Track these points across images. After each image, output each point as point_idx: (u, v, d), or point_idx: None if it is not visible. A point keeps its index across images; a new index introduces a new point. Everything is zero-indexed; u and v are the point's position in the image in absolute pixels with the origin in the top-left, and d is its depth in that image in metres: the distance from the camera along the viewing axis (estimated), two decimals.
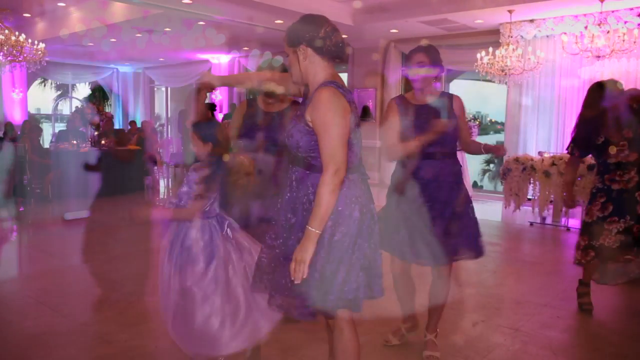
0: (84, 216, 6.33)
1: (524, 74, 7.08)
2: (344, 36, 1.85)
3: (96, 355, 2.73)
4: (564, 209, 6.04)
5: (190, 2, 6.82)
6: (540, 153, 6.67)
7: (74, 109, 13.40)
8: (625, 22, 6.46)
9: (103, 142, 8.28)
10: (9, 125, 9.24)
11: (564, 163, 5.87)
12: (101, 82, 14.73)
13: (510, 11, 6.93)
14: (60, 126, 12.84)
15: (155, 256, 2.47)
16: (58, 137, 8.52)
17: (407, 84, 8.99)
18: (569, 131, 7.27)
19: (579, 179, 5.69)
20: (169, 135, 13.79)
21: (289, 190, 1.88)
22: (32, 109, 14.20)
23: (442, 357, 2.67)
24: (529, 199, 6.33)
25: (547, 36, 7.46)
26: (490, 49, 7.10)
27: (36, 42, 8.17)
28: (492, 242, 5.23)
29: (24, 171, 7.35)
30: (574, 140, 3.38)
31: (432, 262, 2.53)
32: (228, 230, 2.39)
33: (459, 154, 2.79)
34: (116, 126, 12.51)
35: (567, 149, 3.47)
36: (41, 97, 16.40)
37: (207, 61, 12.27)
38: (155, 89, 14.93)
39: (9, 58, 7.76)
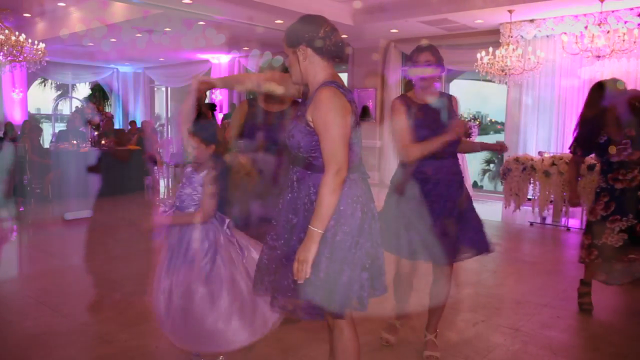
0: (84, 216, 6.33)
1: (524, 74, 7.08)
2: (343, 36, 1.85)
3: (96, 355, 2.74)
4: (564, 208, 6.04)
5: (190, 2, 6.82)
6: (540, 153, 6.67)
7: (74, 109, 13.40)
8: (626, 22, 6.47)
9: (103, 142, 8.29)
10: (9, 125, 9.24)
11: (564, 163, 5.88)
12: (101, 82, 14.73)
13: (510, 11, 6.93)
14: (61, 126, 12.83)
15: (155, 256, 2.47)
16: (58, 137, 8.52)
17: (407, 84, 8.98)
18: (569, 131, 7.32)
19: (580, 178, 5.69)
20: (169, 135, 13.80)
21: (290, 191, 1.88)
22: (32, 109, 14.21)
23: (442, 357, 2.67)
24: (529, 199, 6.33)
25: (547, 36, 7.46)
26: (490, 49, 7.10)
27: (36, 42, 8.18)
28: (492, 242, 5.22)
29: (24, 171, 7.35)
30: (576, 140, 3.39)
31: (440, 260, 2.52)
32: (228, 229, 2.42)
33: (459, 154, 2.79)
34: (116, 126, 12.51)
35: (569, 148, 3.47)
36: (41, 97, 16.40)
37: (207, 61, 12.27)
38: (155, 89, 14.93)
39: (9, 58, 7.77)
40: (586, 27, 6.39)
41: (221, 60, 12.03)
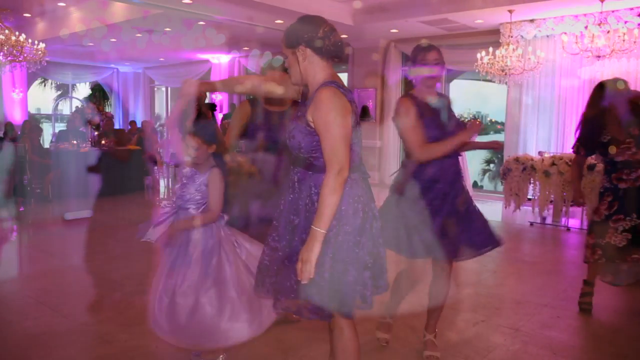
0: (84, 216, 6.33)
1: (524, 73, 7.08)
2: (343, 36, 1.86)
3: (96, 355, 2.74)
4: (564, 208, 6.05)
5: (190, 2, 6.82)
6: (540, 153, 6.67)
7: (74, 109, 13.41)
8: (626, 22, 6.46)
9: (103, 142, 8.29)
10: (9, 125, 9.25)
11: (564, 163, 5.88)
12: (101, 82, 14.74)
13: (510, 11, 6.93)
14: (61, 126, 12.84)
15: (155, 256, 2.47)
16: (58, 137, 8.52)
17: (408, 83, 9.00)
18: (569, 131, 7.34)
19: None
20: (169, 135, 13.78)
21: (291, 192, 1.88)
22: (32, 109, 14.21)
23: (442, 357, 2.67)
24: (529, 199, 6.33)
25: (547, 36, 7.46)
26: (491, 49, 7.10)
27: (36, 42, 8.18)
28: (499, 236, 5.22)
29: (24, 171, 7.35)
30: (579, 140, 3.38)
31: (441, 258, 2.53)
32: (225, 226, 2.46)
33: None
34: (116, 126, 12.52)
35: (572, 147, 3.46)
36: (41, 97, 16.40)
37: (207, 61, 12.27)
38: (156, 89, 14.93)
39: (9, 58, 7.77)
40: (586, 27, 6.39)
41: (221, 60, 12.03)
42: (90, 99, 14.66)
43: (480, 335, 3.01)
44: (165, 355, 2.71)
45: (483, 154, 14.87)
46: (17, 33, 7.73)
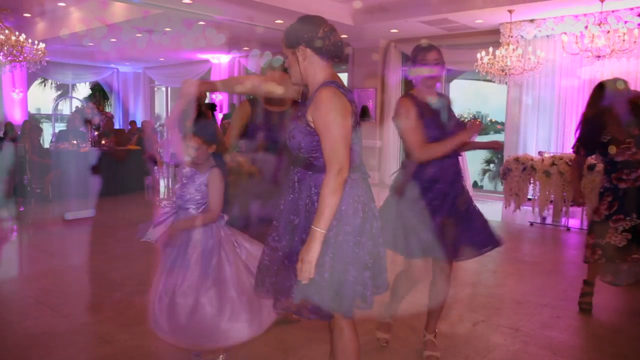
0: (84, 216, 6.33)
1: (524, 73, 7.08)
2: (343, 36, 1.86)
3: (96, 355, 2.74)
4: (564, 208, 6.05)
5: (190, 2, 6.82)
6: (540, 153, 6.67)
7: (74, 109, 13.41)
8: (626, 22, 6.46)
9: (103, 142, 8.29)
10: (9, 125, 9.24)
11: (564, 163, 5.88)
12: (101, 82, 14.74)
13: (510, 11, 6.93)
14: (61, 126, 12.84)
15: (155, 256, 2.47)
16: (58, 137, 8.52)
17: (408, 84, 8.99)
18: (569, 131, 7.34)
19: None
20: (169, 135, 13.78)
21: (291, 192, 1.88)
22: (32, 109, 14.22)
23: (442, 356, 2.67)
24: (529, 199, 6.33)
25: (547, 36, 7.46)
26: (491, 49, 7.10)
27: (36, 42, 8.18)
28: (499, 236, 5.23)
29: (24, 171, 7.35)
30: (579, 140, 3.38)
31: (441, 257, 2.53)
32: (226, 227, 2.47)
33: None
34: (116, 126, 12.52)
35: (572, 147, 3.46)
36: (41, 97, 16.41)
37: (207, 61, 12.28)
38: (156, 89, 14.94)
39: (9, 58, 7.77)
40: (586, 27, 6.39)
41: (221, 60, 12.03)
42: (90, 99, 14.66)
43: (480, 335, 3.01)
44: (165, 355, 2.71)
45: (483, 154, 14.87)
46: (17, 33, 7.73)
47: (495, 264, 4.58)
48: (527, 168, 6.20)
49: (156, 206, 6.73)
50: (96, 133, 8.73)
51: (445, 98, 2.62)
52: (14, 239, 5.52)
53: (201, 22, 8.16)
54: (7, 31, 7.59)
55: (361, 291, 1.79)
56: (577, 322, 3.27)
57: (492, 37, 7.78)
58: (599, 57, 6.28)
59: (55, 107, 16.11)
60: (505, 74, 7.11)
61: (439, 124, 2.50)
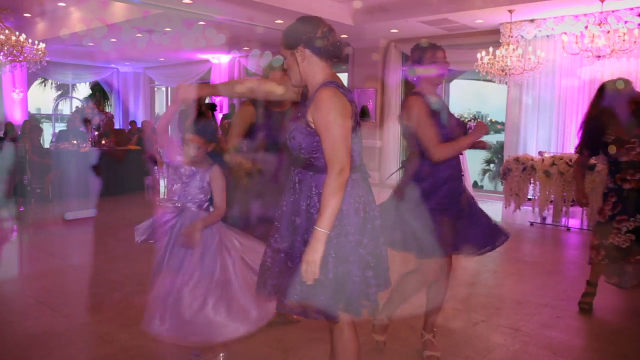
0: (84, 216, 6.33)
1: (524, 73, 7.08)
2: (343, 36, 1.86)
3: (96, 355, 2.74)
4: (564, 208, 6.04)
5: (191, 2, 6.82)
6: (540, 153, 6.67)
7: (74, 109, 13.42)
8: (626, 22, 6.46)
9: (103, 142, 8.30)
10: (9, 125, 9.24)
11: (564, 163, 5.88)
12: (101, 82, 14.74)
13: (510, 11, 6.93)
14: (61, 126, 12.85)
15: (156, 255, 2.48)
16: (58, 137, 8.53)
17: (408, 84, 8.99)
18: (569, 131, 7.34)
19: None
20: (169, 135, 13.78)
21: (292, 193, 1.88)
22: (32, 109, 14.22)
23: (442, 356, 2.67)
24: (529, 199, 6.33)
25: (548, 36, 7.46)
26: (491, 49, 7.10)
27: (36, 42, 8.18)
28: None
29: (25, 171, 7.35)
30: (582, 140, 3.36)
31: (473, 251, 2.56)
32: (222, 223, 2.51)
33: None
34: (116, 126, 12.53)
35: (575, 148, 3.45)
36: (41, 97, 16.43)
37: (207, 61, 12.28)
38: (156, 88, 14.94)
39: (9, 58, 7.77)
40: (586, 27, 6.39)
41: (221, 60, 12.03)
42: (90, 99, 14.67)
43: (480, 335, 3.01)
44: (165, 355, 2.71)
45: (483, 154, 14.87)
46: (17, 33, 7.73)
47: (495, 264, 4.58)
48: (527, 168, 6.20)
49: (156, 206, 6.73)
50: (96, 133, 8.74)
51: (441, 98, 2.63)
52: (14, 239, 5.52)
53: (201, 22, 8.16)
54: (7, 31, 7.60)
55: (365, 290, 1.80)
56: (577, 322, 3.28)
57: (492, 37, 7.78)
58: (599, 57, 6.28)
59: (56, 107, 16.13)
60: (505, 74, 7.11)
61: (445, 123, 2.50)
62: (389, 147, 9.44)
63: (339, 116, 1.73)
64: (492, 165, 14.61)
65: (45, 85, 16.20)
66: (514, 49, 6.99)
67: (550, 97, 7.57)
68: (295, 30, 1.82)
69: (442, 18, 7.52)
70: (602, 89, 3.34)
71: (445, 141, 2.45)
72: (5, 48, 7.57)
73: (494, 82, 7.59)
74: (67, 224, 6.07)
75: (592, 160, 5.28)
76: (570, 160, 5.85)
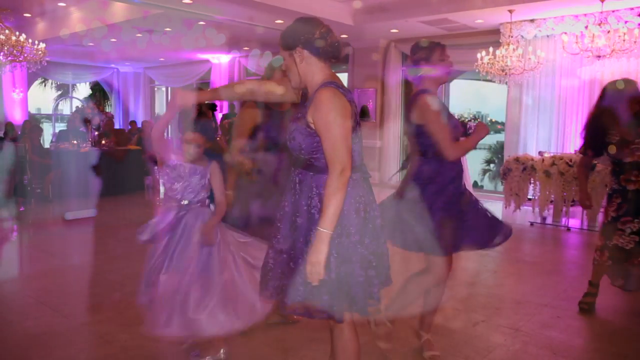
0: (84, 216, 6.33)
1: (524, 73, 7.08)
2: (343, 36, 1.87)
3: (96, 355, 2.74)
4: (564, 208, 6.04)
5: (191, 2, 6.82)
6: (540, 153, 6.67)
7: (74, 109, 13.43)
8: (626, 22, 6.46)
9: (103, 142, 8.30)
10: (9, 125, 9.25)
11: (564, 163, 5.88)
12: (101, 82, 14.74)
13: (510, 11, 6.93)
14: (61, 126, 12.85)
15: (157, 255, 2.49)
16: (58, 137, 8.52)
17: (408, 84, 8.99)
18: (569, 131, 7.34)
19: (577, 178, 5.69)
20: (169, 135, 13.80)
21: (293, 193, 1.88)
22: (32, 109, 14.23)
23: (442, 356, 2.67)
24: (529, 199, 6.33)
25: (548, 36, 7.46)
26: (491, 49, 7.10)
27: (37, 42, 8.18)
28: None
29: (25, 171, 7.35)
30: (586, 141, 3.35)
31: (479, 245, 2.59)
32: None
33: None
34: (116, 126, 12.53)
35: (580, 148, 3.43)
36: (41, 97, 16.45)
37: (207, 61, 12.28)
38: (156, 88, 14.94)
39: (9, 58, 7.77)
40: (586, 27, 6.39)
41: (221, 60, 12.03)
42: (90, 99, 14.67)
43: (480, 335, 3.01)
44: (165, 355, 2.71)
45: (483, 154, 14.87)
46: (17, 33, 7.73)
47: (495, 264, 4.58)
48: (527, 168, 6.20)
49: (158, 206, 6.73)
50: (96, 133, 8.74)
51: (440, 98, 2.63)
52: (15, 239, 5.52)
53: (201, 22, 8.16)
54: (7, 31, 7.60)
55: (370, 289, 1.81)
56: (577, 322, 3.27)
57: (492, 37, 7.78)
58: (599, 57, 6.28)
59: (56, 107, 16.14)
60: (506, 74, 7.11)
61: (450, 122, 2.50)
62: (389, 147, 9.44)
63: (339, 116, 1.73)
64: (492, 165, 14.61)
65: (45, 85, 16.21)
66: (514, 49, 6.99)
67: (550, 97, 7.57)
68: (293, 32, 1.82)
69: (442, 18, 7.52)
70: (606, 89, 3.30)
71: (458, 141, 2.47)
72: (5, 48, 7.57)
73: (494, 82, 7.59)
74: (67, 224, 6.08)
75: (593, 161, 5.28)
76: (571, 160, 5.85)
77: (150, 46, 10.29)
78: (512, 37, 7.29)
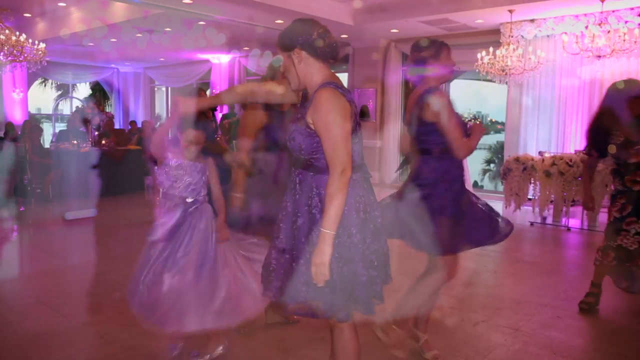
0: (85, 216, 6.33)
1: (524, 73, 7.08)
2: (343, 36, 1.87)
3: (96, 355, 2.74)
4: (564, 208, 6.04)
5: (191, 2, 6.82)
6: (540, 153, 6.67)
7: (74, 109, 13.43)
8: (626, 22, 6.47)
9: (103, 142, 8.30)
10: (9, 125, 9.25)
11: (564, 163, 5.88)
12: (101, 81, 14.75)
13: (510, 11, 6.93)
14: (61, 126, 12.86)
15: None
16: (58, 137, 8.53)
17: (408, 84, 8.99)
18: (569, 131, 7.34)
19: (579, 178, 5.69)
20: (169, 135, 13.79)
21: (293, 193, 1.88)
22: (32, 109, 14.23)
23: (442, 356, 2.67)
24: (530, 199, 6.33)
25: (548, 36, 7.46)
26: (491, 49, 7.10)
27: (37, 42, 8.18)
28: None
29: (25, 171, 7.35)
30: (590, 141, 3.34)
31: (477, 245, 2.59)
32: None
33: None
34: (116, 126, 12.53)
35: (584, 149, 3.42)
36: (42, 97, 16.45)
37: (207, 61, 12.28)
38: (156, 88, 14.94)
39: (9, 58, 7.78)
40: (587, 27, 6.39)
41: (221, 60, 12.03)
42: (90, 98, 14.68)
43: (480, 335, 3.01)
44: (165, 355, 2.71)
45: (483, 154, 14.88)
46: (17, 33, 7.73)
47: (495, 264, 4.58)
48: (527, 168, 6.20)
49: (156, 206, 6.73)
50: (96, 133, 8.74)
51: None
52: (15, 239, 5.53)
53: (201, 22, 8.17)
54: (7, 31, 7.60)
55: (373, 288, 1.81)
56: (577, 322, 3.27)
57: (492, 37, 7.79)
58: (599, 57, 6.28)
59: (56, 107, 16.14)
60: (506, 74, 7.11)
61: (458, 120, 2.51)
62: (389, 147, 9.44)
63: (339, 117, 1.73)
64: (492, 165, 14.61)
65: (45, 85, 16.21)
66: (514, 49, 6.99)
67: (551, 97, 7.57)
68: (290, 33, 1.82)
69: (442, 18, 7.53)
70: (609, 89, 3.29)
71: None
72: (6, 48, 7.58)
73: (494, 82, 7.59)
74: (67, 224, 6.08)
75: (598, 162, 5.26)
76: (571, 160, 5.85)
77: (150, 46, 10.29)
78: (512, 37, 7.29)
